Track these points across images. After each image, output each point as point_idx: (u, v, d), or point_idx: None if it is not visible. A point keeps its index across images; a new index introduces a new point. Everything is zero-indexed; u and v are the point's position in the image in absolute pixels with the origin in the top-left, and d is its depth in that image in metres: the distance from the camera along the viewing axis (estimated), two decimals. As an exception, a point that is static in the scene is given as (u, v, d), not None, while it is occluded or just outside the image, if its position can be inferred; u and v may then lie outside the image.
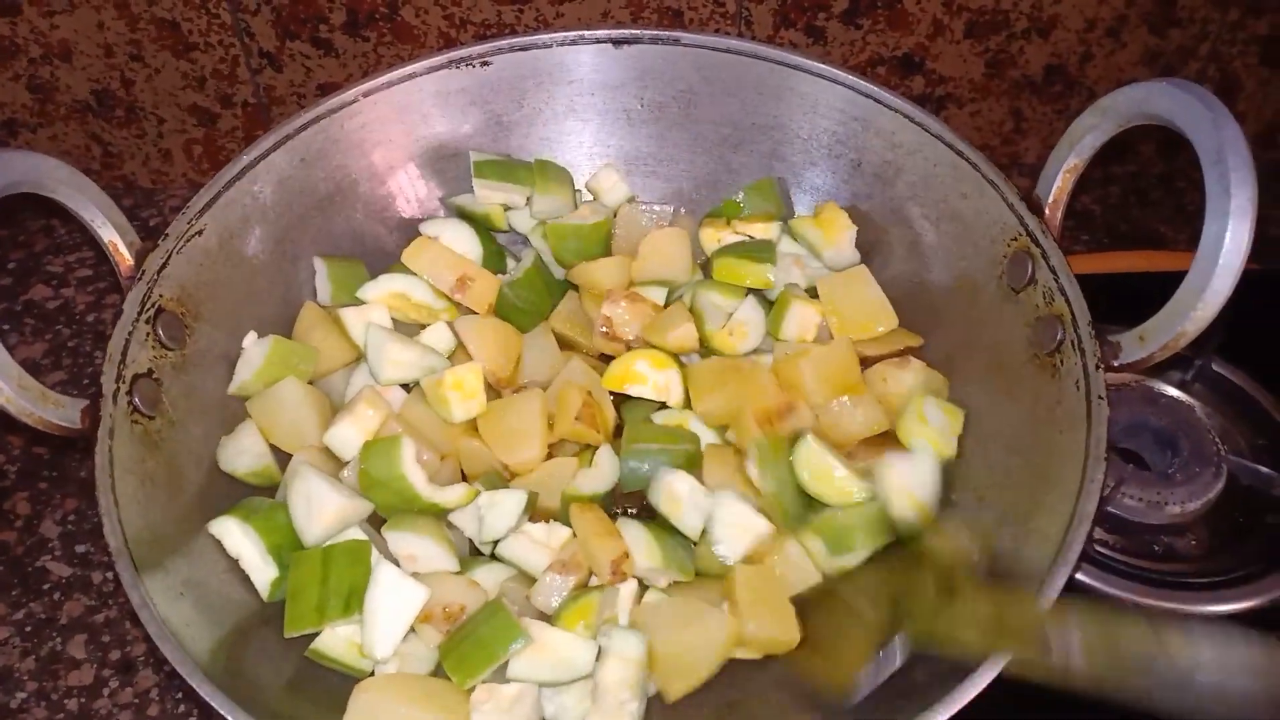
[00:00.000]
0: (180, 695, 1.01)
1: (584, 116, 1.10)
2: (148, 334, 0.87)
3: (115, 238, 0.88)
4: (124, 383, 0.84)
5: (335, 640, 0.84)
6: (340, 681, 0.84)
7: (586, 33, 1.05)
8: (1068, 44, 1.32)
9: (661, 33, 1.04)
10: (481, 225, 1.09)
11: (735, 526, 0.89)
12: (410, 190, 1.09)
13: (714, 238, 1.08)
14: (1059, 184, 0.88)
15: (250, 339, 0.98)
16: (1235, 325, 0.97)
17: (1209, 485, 1.02)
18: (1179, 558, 1.02)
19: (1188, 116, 0.78)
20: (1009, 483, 0.86)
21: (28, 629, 1.05)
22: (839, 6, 1.25)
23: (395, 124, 1.04)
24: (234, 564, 0.87)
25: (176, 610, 0.76)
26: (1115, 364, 0.82)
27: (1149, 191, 1.44)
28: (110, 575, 1.09)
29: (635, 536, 0.90)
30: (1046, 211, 0.89)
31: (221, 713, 0.71)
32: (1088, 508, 0.76)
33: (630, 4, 1.24)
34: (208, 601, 0.80)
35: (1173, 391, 1.10)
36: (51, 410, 0.80)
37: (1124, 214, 1.42)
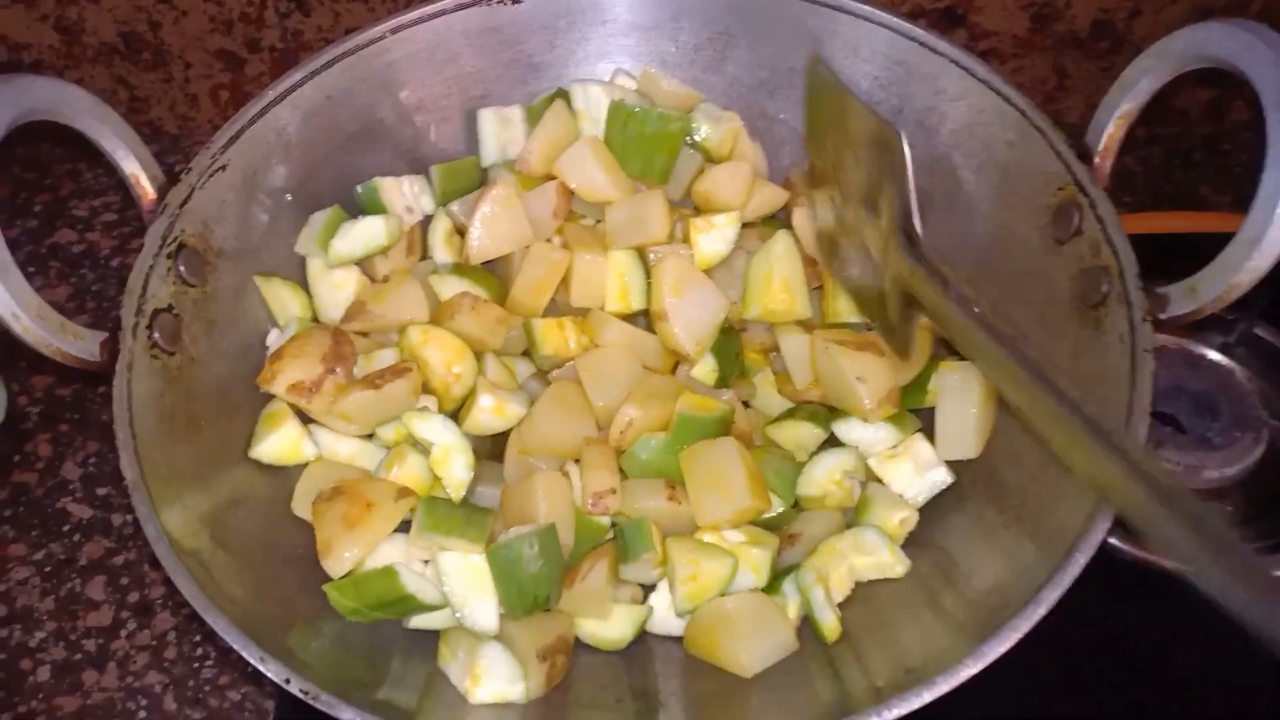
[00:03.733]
0: (198, 638, 1.00)
1: (617, 59, 1.06)
2: (169, 269, 0.86)
3: (138, 170, 0.86)
4: (144, 316, 0.82)
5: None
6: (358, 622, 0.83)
7: (622, -29, 1.02)
8: (1116, -2, 1.28)
9: (699, -29, 1.01)
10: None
11: None
12: (437, 132, 1.06)
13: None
14: (1111, 130, 0.84)
15: (274, 335, 0.95)
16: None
17: (1248, 450, 1.00)
18: (1218, 523, 0.99)
19: (1249, 58, 0.74)
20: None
21: (47, 569, 1.05)
22: (880, -45, 1.22)
23: (424, 63, 1.02)
24: (252, 501, 0.86)
25: (193, 546, 0.75)
26: (1163, 317, 0.79)
27: (1192, 153, 1.40)
28: (130, 518, 1.08)
29: None
30: (1096, 160, 0.85)
31: (236, 649, 0.70)
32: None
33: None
34: (225, 538, 0.79)
35: (1213, 355, 1.07)
36: (70, 342, 0.78)
37: (1166, 175, 1.38)
